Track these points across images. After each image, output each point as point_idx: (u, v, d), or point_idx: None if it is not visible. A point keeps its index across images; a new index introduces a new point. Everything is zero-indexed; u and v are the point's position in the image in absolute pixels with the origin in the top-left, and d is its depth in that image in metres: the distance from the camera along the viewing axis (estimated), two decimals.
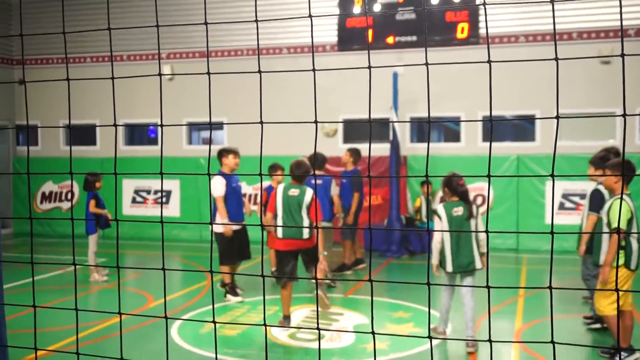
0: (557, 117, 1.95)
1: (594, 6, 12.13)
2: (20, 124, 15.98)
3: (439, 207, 6.64)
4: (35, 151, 15.88)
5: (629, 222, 5.89)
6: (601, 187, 6.86)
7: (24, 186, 15.51)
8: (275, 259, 9.90)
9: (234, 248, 8.68)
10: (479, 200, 12.87)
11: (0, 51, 15.66)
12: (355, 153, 10.57)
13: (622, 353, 6.05)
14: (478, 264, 6.46)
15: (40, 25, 15.10)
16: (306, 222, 7.29)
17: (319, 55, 13.85)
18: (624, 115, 1.92)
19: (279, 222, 7.42)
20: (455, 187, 6.60)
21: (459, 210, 6.56)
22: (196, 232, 14.48)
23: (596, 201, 6.87)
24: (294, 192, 7.36)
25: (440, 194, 13.17)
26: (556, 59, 2.00)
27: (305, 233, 7.24)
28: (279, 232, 7.37)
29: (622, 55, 1.92)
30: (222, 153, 8.76)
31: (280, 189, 7.47)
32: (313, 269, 7.29)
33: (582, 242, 7.15)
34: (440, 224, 6.60)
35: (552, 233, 2.06)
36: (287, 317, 7.46)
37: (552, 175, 2.03)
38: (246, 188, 13.61)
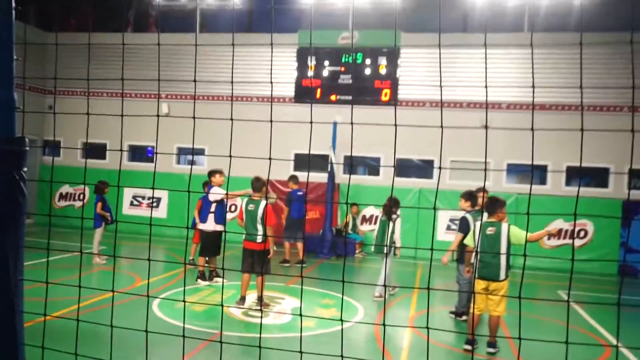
0: (440, 168, 2.06)
1: (478, 85, 12.57)
2: (46, 139, 15.59)
3: (380, 215, 8.44)
4: (58, 161, 15.57)
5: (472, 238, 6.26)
6: (468, 215, 6.93)
7: (46, 188, 15.06)
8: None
9: (212, 245, 8.58)
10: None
11: (36, 83, 15.29)
12: (293, 178, 11.08)
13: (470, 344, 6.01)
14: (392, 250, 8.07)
15: (73, 63, 14.73)
16: (260, 230, 7.28)
17: (281, 105, 13.95)
18: (485, 170, 2.05)
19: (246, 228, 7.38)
20: (386, 208, 8.10)
21: (384, 217, 8.14)
22: (178, 231, 14.26)
23: (462, 224, 6.89)
24: (251, 207, 7.35)
25: (362, 212, 13.47)
26: (441, 126, 2.12)
27: (258, 238, 7.24)
28: (244, 235, 7.35)
29: (486, 127, 2.04)
30: (212, 173, 8.71)
31: (243, 204, 7.45)
32: (258, 267, 7.23)
33: (447, 253, 7.06)
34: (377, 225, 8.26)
35: (432, 249, 2.16)
36: (243, 298, 7.40)
37: (434, 208, 2.13)
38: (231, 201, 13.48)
